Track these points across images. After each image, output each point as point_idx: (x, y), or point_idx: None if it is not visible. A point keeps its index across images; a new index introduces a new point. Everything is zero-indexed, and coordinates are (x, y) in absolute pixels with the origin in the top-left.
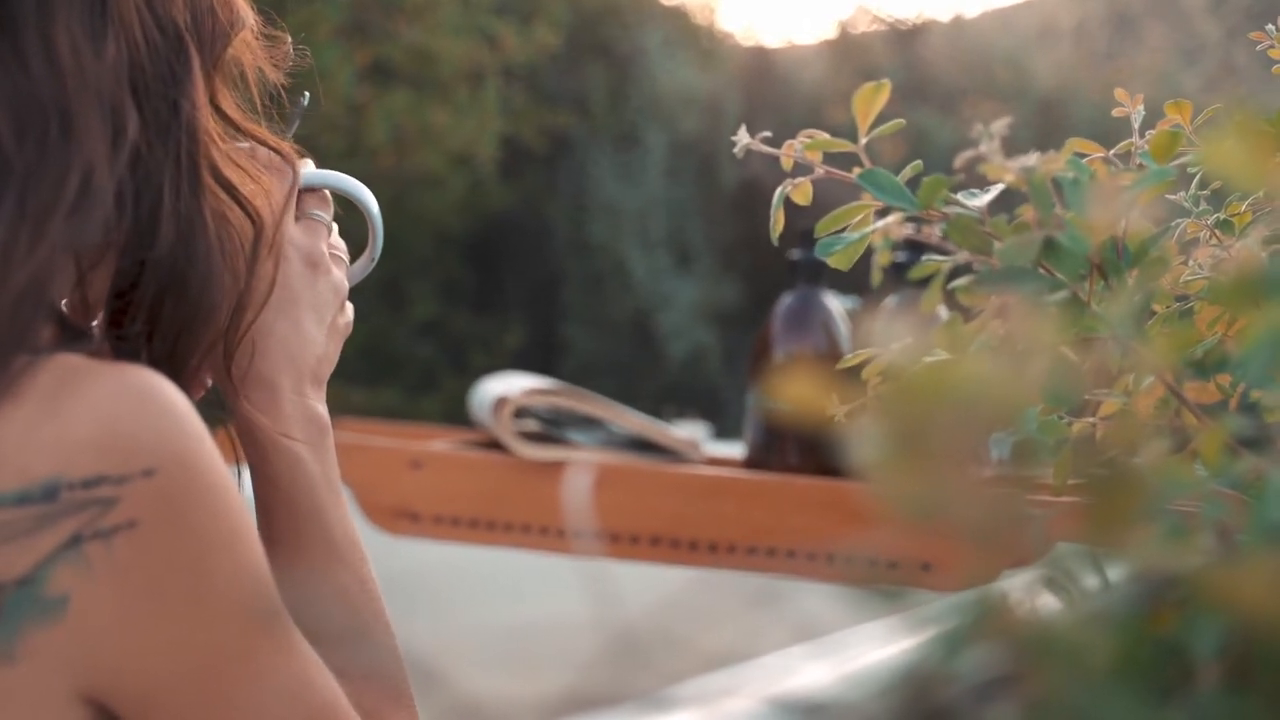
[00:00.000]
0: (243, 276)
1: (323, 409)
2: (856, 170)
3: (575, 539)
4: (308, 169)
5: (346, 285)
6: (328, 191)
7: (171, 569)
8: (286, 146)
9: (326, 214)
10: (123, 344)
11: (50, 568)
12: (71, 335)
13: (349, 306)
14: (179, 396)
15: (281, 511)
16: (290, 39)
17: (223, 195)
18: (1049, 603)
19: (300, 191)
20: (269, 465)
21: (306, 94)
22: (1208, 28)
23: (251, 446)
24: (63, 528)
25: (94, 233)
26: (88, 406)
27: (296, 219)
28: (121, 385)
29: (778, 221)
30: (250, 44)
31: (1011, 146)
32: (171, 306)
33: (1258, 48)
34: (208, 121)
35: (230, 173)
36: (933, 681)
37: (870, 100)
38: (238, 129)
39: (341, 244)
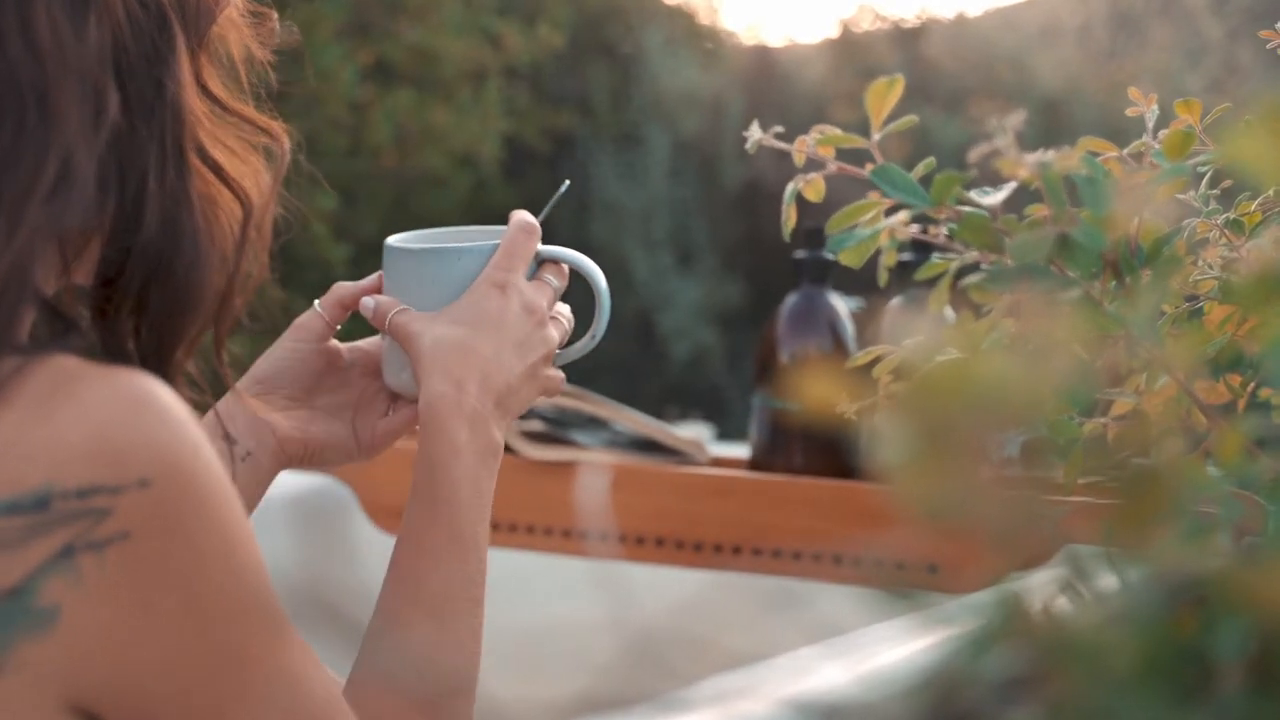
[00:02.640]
0: (231, 260)
1: (499, 435)
2: (869, 166)
3: (590, 540)
4: (550, 247)
5: (555, 342)
6: (566, 266)
7: (164, 579)
8: (276, 126)
9: (556, 281)
10: (109, 333)
11: (41, 579)
12: (61, 327)
13: (559, 373)
14: (175, 402)
15: (423, 494)
16: (276, 15)
17: (210, 177)
18: (1067, 604)
19: (540, 261)
20: (430, 447)
21: (568, 181)
22: (1211, 28)
23: (424, 428)
24: (55, 538)
25: (75, 217)
26: (81, 413)
27: (530, 279)
28: (115, 391)
29: (789, 218)
30: (236, 21)
31: (1016, 145)
32: (158, 293)
33: (1268, 46)
34: (193, 101)
35: (218, 153)
36: (957, 683)
37: (884, 96)
38: (225, 108)
39: (568, 314)
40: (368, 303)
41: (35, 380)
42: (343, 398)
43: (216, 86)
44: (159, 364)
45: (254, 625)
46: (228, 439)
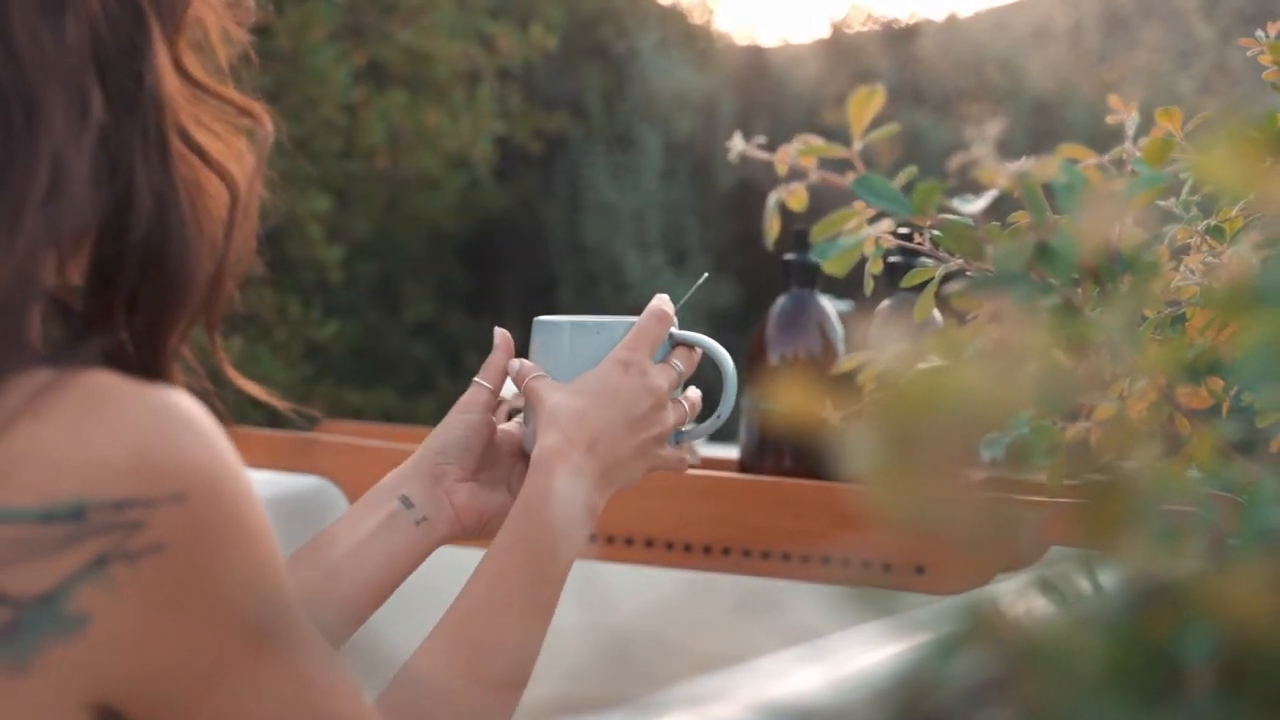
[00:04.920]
0: (220, 245)
1: (599, 500)
2: (850, 175)
3: None
4: (684, 331)
5: (670, 424)
6: (698, 350)
7: (194, 588)
8: (257, 107)
9: (682, 366)
10: (103, 325)
11: (73, 587)
12: (75, 328)
13: (680, 452)
14: (207, 417)
15: (513, 524)
16: None
17: (195, 162)
18: (1042, 607)
19: (675, 344)
20: (529, 487)
21: (706, 274)
22: (1202, 30)
23: (530, 472)
24: (88, 548)
25: (72, 218)
26: (117, 428)
27: (663, 359)
28: (151, 407)
29: (772, 227)
30: (211, 3)
31: (1006, 148)
32: (150, 283)
33: (1248, 54)
34: (173, 88)
35: (202, 137)
36: (925, 687)
37: (864, 106)
38: (206, 91)
39: (695, 398)
40: (514, 364)
41: (70, 394)
42: (498, 473)
43: (196, 70)
44: (153, 353)
45: (274, 631)
46: (405, 503)
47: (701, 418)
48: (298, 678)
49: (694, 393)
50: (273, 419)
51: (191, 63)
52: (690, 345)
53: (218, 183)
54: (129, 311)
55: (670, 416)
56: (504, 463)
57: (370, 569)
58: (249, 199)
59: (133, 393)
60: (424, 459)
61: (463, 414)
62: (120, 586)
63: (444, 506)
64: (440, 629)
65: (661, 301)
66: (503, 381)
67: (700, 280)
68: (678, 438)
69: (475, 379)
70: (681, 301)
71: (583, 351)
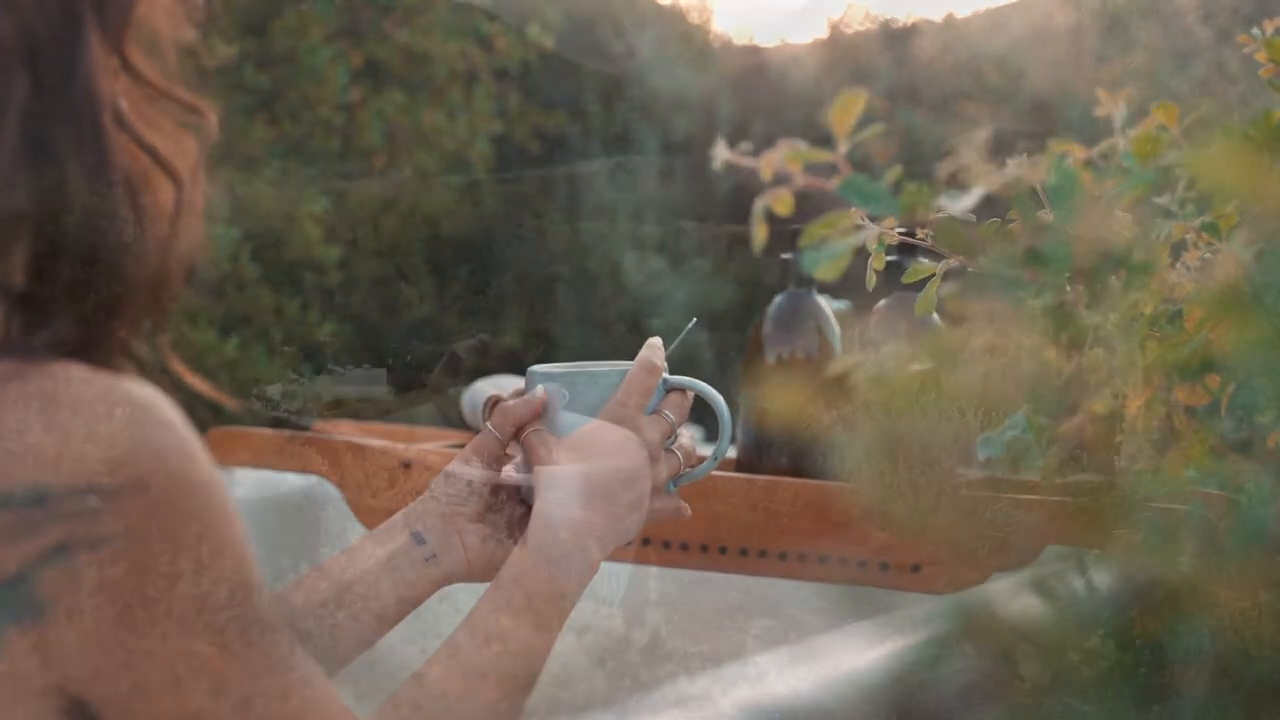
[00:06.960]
0: (166, 239)
1: (597, 555)
2: (835, 179)
3: None
4: (676, 377)
5: (663, 478)
6: (692, 394)
7: (155, 580)
8: (204, 104)
9: (674, 416)
10: (46, 315)
11: (36, 572)
12: (32, 319)
13: (677, 501)
14: (173, 410)
15: (514, 565)
16: None
17: (141, 156)
18: (1036, 606)
19: (668, 389)
20: (531, 536)
21: (695, 319)
22: (1200, 29)
23: (531, 521)
24: (50, 534)
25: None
26: (83, 417)
27: (658, 405)
28: (117, 398)
29: (760, 232)
30: (163, 2)
31: (1003, 147)
32: (91, 274)
33: (1244, 50)
34: (109, 82)
35: (145, 132)
36: (917, 685)
37: (846, 110)
38: (153, 88)
39: (688, 444)
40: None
41: (35, 384)
42: (501, 516)
43: (144, 66)
44: (99, 344)
45: (240, 621)
46: (418, 539)
47: (711, 432)
48: (266, 668)
49: (687, 440)
50: (276, 419)
51: (140, 60)
52: (683, 390)
53: (164, 177)
54: (74, 302)
55: (663, 471)
56: (507, 506)
57: (377, 598)
58: (193, 194)
59: (97, 383)
60: (435, 499)
61: (471, 461)
62: (82, 573)
63: (455, 546)
64: (439, 655)
65: (651, 351)
66: (512, 430)
67: (689, 326)
68: (674, 484)
69: (488, 424)
70: (672, 346)
71: (577, 400)
